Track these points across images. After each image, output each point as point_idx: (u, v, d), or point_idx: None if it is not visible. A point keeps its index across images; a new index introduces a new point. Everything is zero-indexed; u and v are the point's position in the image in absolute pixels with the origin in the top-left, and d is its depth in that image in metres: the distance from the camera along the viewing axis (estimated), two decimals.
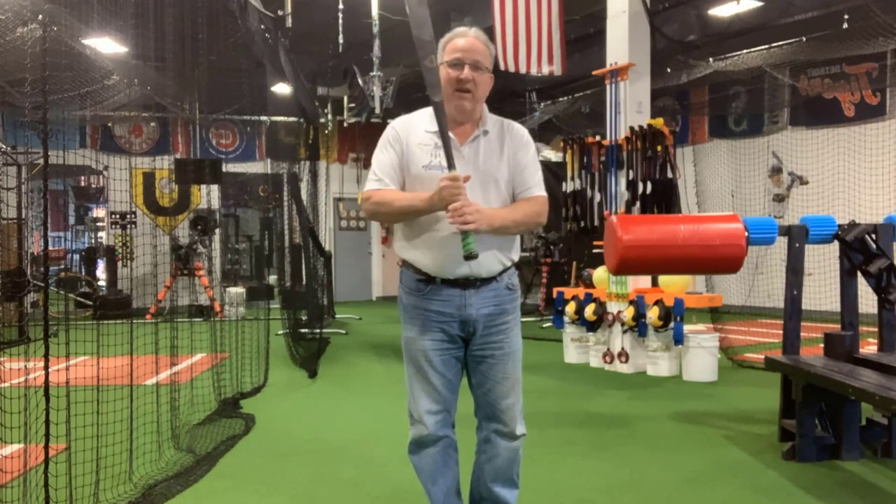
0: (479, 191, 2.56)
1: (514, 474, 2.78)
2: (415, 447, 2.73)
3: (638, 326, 6.78)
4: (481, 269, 2.59)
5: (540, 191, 2.68)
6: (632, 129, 7.01)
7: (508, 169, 2.64)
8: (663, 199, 6.77)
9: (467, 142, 2.62)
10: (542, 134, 13.89)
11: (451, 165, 2.45)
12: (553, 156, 12.90)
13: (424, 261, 2.62)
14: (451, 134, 2.55)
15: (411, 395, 2.71)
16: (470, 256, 2.40)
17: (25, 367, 3.07)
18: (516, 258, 2.74)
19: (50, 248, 14.31)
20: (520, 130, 2.74)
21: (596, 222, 7.40)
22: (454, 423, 2.75)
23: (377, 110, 8.55)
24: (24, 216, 9.65)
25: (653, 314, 6.57)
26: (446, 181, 2.41)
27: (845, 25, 8.51)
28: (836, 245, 4.62)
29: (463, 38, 2.61)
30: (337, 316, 12.00)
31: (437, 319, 2.62)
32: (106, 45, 9.04)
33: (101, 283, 13.68)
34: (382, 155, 2.65)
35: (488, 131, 2.65)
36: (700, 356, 6.52)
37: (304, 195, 9.54)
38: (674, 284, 6.93)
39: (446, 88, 2.58)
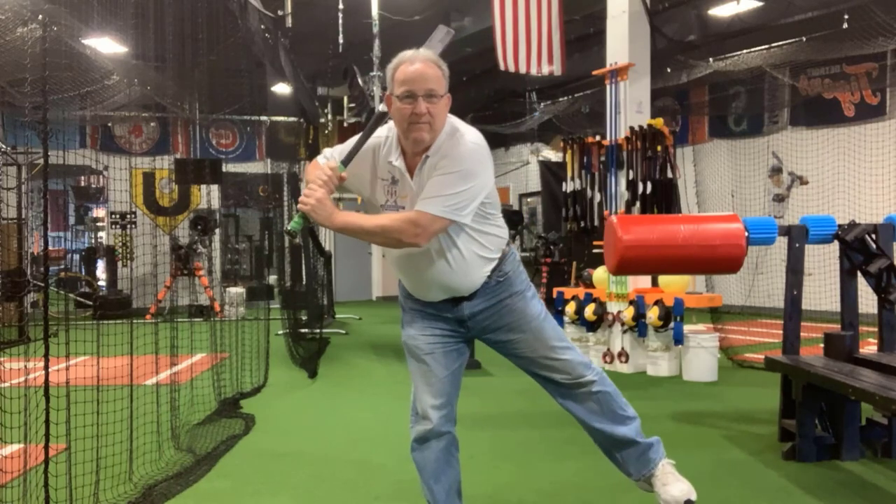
0: None
1: (617, 409, 2.75)
2: (418, 444, 2.71)
3: (638, 326, 6.78)
4: (462, 291, 2.59)
5: (427, 207, 2.36)
6: (632, 129, 7.01)
7: None
8: (663, 199, 6.77)
9: (416, 172, 2.47)
10: (542, 134, 13.90)
11: (345, 162, 2.44)
12: (553, 156, 12.91)
13: (405, 282, 2.68)
14: (404, 167, 2.47)
15: (415, 392, 2.71)
16: (288, 233, 2.47)
17: (25, 367, 3.07)
18: (497, 255, 2.61)
19: (50, 248, 14.31)
20: (460, 148, 2.41)
21: (596, 222, 7.40)
22: (455, 421, 2.75)
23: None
24: (24, 216, 9.65)
25: (653, 314, 6.57)
26: (324, 169, 2.40)
27: (845, 25, 8.51)
28: (836, 245, 4.62)
29: (411, 66, 2.39)
30: (337, 316, 12.00)
31: (433, 315, 2.65)
32: (106, 45, 9.04)
33: (101, 283, 13.68)
34: (352, 142, 2.51)
35: (429, 156, 2.43)
36: (700, 356, 6.52)
37: None
38: (674, 284, 6.93)
39: (401, 123, 2.41)
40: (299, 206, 2.39)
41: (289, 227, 2.39)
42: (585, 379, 2.69)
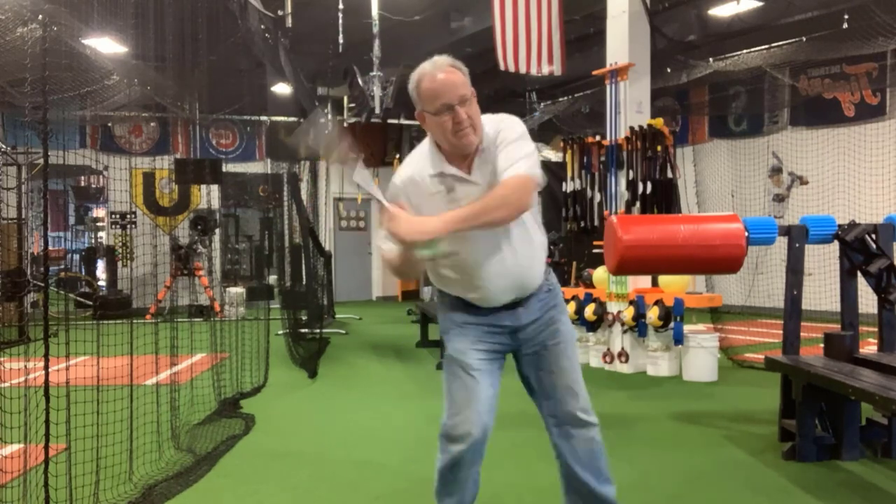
0: None
1: (603, 467, 2.65)
2: (452, 467, 2.52)
3: (638, 326, 6.78)
4: (527, 291, 2.54)
5: (517, 169, 2.34)
6: (632, 129, 7.01)
7: None
8: (663, 199, 6.77)
9: (473, 168, 2.44)
10: (542, 134, 13.89)
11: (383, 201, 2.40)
12: (553, 156, 12.89)
13: (469, 297, 2.55)
14: (457, 171, 2.43)
15: (454, 410, 2.52)
16: (429, 256, 2.31)
17: (25, 367, 3.07)
18: (547, 255, 2.67)
19: (50, 248, 14.30)
20: (505, 122, 2.47)
21: (596, 222, 7.40)
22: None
23: (377, 110, 8.55)
24: (24, 216, 9.65)
25: (653, 314, 6.57)
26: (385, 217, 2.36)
27: (845, 25, 8.51)
28: (836, 245, 4.62)
29: (435, 79, 2.36)
30: (337, 316, 12.00)
31: (488, 330, 2.54)
32: (106, 45, 9.03)
33: (101, 283, 13.68)
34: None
35: (484, 147, 2.44)
36: (700, 356, 6.52)
37: (304, 195, 9.55)
38: (674, 284, 6.93)
39: (445, 135, 2.38)
40: (406, 237, 2.29)
41: (429, 254, 2.29)
42: (591, 419, 2.62)
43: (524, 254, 2.50)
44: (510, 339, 2.57)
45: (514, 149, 2.38)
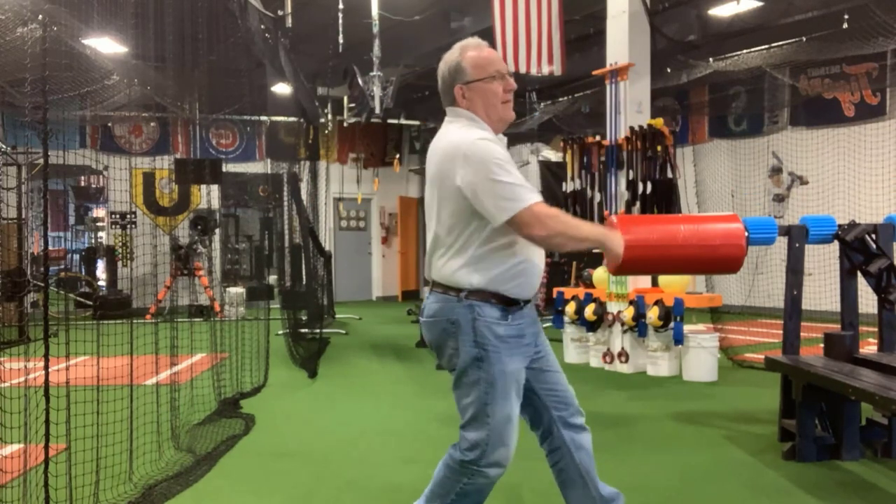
0: None
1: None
2: (484, 490, 2.50)
3: (638, 326, 6.78)
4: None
5: None
6: (632, 129, 7.01)
7: None
8: (663, 199, 6.77)
9: None
10: (542, 134, 13.88)
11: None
12: (553, 156, 12.89)
13: (519, 286, 2.43)
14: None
15: (500, 435, 2.41)
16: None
17: (25, 367, 3.07)
18: None
19: (50, 248, 14.30)
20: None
21: (596, 222, 7.40)
22: None
23: (377, 110, 8.54)
24: (24, 216, 9.65)
25: (653, 314, 6.57)
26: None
27: (845, 25, 8.51)
28: (836, 245, 4.62)
29: (487, 49, 2.50)
30: (337, 316, 12.00)
31: (527, 343, 2.49)
32: (106, 45, 9.04)
33: (101, 283, 13.67)
34: (509, 175, 2.33)
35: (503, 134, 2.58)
36: (700, 356, 6.52)
37: (304, 195, 9.55)
38: (674, 284, 6.93)
39: (495, 105, 2.47)
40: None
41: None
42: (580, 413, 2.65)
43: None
44: (533, 350, 2.56)
45: None
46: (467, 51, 2.46)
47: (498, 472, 2.47)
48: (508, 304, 2.43)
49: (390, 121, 13.91)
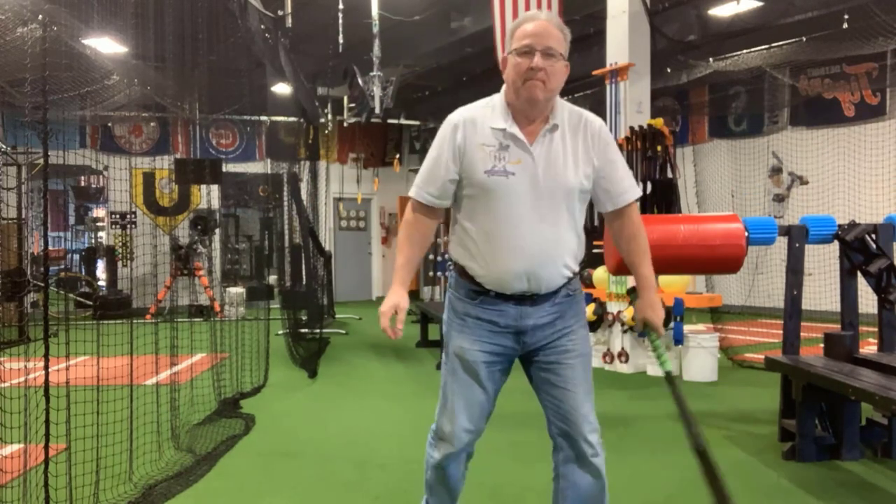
0: (546, 198, 2.33)
1: (606, 501, 2.49)
2: (440, 465, 2.52)
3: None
4: (541, 286, 2.38)
5: (636, 191, 2.49)
6: (632, 129, 7.00)
7: (586, 170, 2.38)
8: (663, 199, 6.77)
9: (537, 140, 2.35)
10: None
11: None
12: None
13: (481, 273, 2.40)
14: (519, 133, 2.34)
15: (446, 409, 2.48)
16: (668, 374, 2.54)
17: (25, 367, 3.07)
18: (578, 267, 2.49)
19: (50, 248, 14.29)
20: (600, 125, 2.44)
21: (596, 222, 7.39)
22: None
23: (377, 110, 8.54)
24: (24, 216, 9.65)
25: None
26: (383, 316, 2.36)
27: (845, 25, 8.51)
28: (836, 245, 4.62)
29: (532, 23, 2.34)
30: (337, 316, 11.99)
31: (490, 329, 2.42)
32: (106, 45, 9.03)
33: (101, 283, 13.67)
34: (433, 153, 2.42)
35: (558, 125, 2.37)
36: (700, 356, 6.52)
37: (304, 195, 9.55)
38: (674, 284, 6.93)
39: (515, 80, 2.33)
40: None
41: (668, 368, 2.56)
42: (599, 447, 2.47)
43: (549, 242, 2.36)
44: (514, 341, 2.43)
45: (622, 165, 2.48)
46: (525, 21, 2.39)
47: (444, 452, 2.49)
48: (479, 287, 2.43)
49: (390, 121, 13.90)
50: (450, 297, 2.54)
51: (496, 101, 2.43)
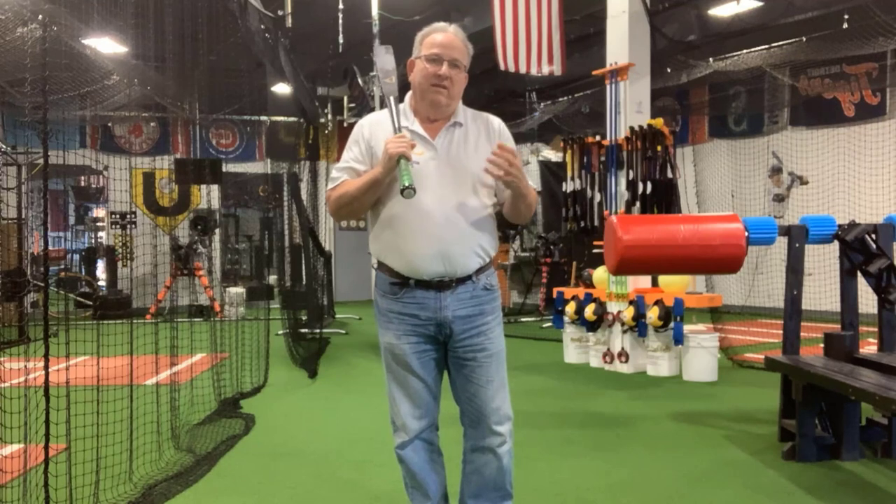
0: (452, 184, 2.49)
1: (507, 484, 2.70)
2: (400, 456, 2.69)
3: (638, 326, 6.78)
4: (456, 268, 2.50)
5: (531, 185, 2.62)
6: (632, 129, 7.00)
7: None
8: (663, 199, 6.76)
9: (440, 134, 2.55)
10: (542, 134, 13.89)
11: (397, 129, 2.46)
12: (553, 156, 12.90)
13: (397, 262, 2.54)
14: (421, 129, 2.53)
15: (392, 402, 2.70)
16: (408, 188, 2.32)
17: (25, 367, 3.07)
18: (493, 253, 2.63)
19: (50, 248, 14.30)
20: (502, 125, 2.67)
21: (596, 222, 7.40)
22: (437, 427, 2.73)
23: (377, 110, 8.56)
24: (24, 216, 9.65)
25: (653, 314, 6.57)
26: (391, 139, 2.41)
27: (845, 25, 8.51)
28: (836, 245, 4.62)
29: (441, 34, 2.57)
30: (337, 316, 11.99)
31: (412, 323, 2.57)
32: (106, 45, 9.03)
33: (101, 283, 13.68)
34: (347, 153, 2.61)
35: (461, 123, 2.58)
36: (700, 356, 6.52)
37: (304, 195, 9.55)
38: (674, 284, 6.93)
39: (422, 83, 2.53)
40: (396, 151, 2.36)
41: (406, 184, 2.31)
42: (507, 434, 2.65)
43: (459, 222, 2.48)
44: (437, 332, 2.56)
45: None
46: (432, 31, 2.61)
47: (399, 440, 2.66)
48: (398, 279, 2.55)
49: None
50: (375, 295, 2.70)
51: (400, 106, 2.60)
